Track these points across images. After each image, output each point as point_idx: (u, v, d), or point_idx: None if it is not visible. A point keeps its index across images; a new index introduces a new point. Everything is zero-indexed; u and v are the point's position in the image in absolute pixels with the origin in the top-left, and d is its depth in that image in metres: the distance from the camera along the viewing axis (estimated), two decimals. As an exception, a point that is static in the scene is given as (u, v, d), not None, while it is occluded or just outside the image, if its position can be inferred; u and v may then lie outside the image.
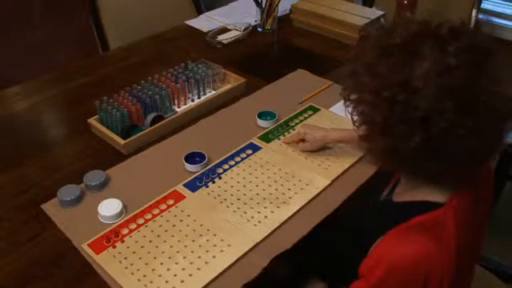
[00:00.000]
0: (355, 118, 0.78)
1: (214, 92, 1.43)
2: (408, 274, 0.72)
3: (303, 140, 1.19)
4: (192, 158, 1.16)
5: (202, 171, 1.14)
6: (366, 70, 0.73)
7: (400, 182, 0.90)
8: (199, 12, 2.16)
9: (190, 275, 0.90)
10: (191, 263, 0.92)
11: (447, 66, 0.66)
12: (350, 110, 0.78)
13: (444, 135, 0.67)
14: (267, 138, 1.26)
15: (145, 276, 0.90)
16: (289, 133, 1.28)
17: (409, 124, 0.68)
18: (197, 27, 1.91)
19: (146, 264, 0.92)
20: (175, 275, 0.90)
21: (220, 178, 1.13)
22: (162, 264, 0.92)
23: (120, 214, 1.02)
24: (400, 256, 0.73)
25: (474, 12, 1.92)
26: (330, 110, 1.36)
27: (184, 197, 1.07)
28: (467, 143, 0.68)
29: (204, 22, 1.95)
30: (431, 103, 0.66)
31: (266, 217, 1.02)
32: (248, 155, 1.20)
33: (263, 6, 1.81)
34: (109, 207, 1.02)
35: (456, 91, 0.66)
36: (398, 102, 0.68)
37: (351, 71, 0.76)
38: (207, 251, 0.94)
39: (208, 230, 0.99)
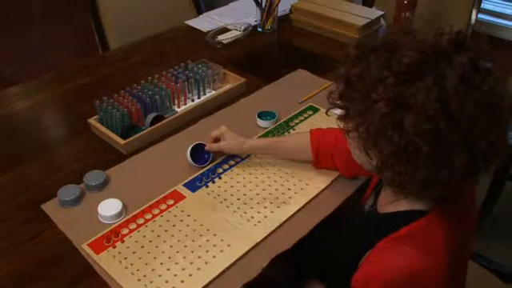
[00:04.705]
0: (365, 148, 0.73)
1: (213, 92, 1.43)
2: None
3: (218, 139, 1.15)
4: (197, 154, 1.15)
5: (202, 171, 1.14)
6: (397, 101, 0.65)
7: (383, 193, 0.87)
8: (199, 12, 2.16)
9: (190, 275, 0.90)
10: (191, 263, 0.92)
11: (471, 79, 0.64)
12: (362, 143, 0.73)
13: (488, 151, 0.66)
14: (267, 138, 1.26)
15: (145, 276, 0.90)
16: (289, 133, 1.28)
17: (453, 149, 0.65)
18: (197, 27, 1.91)
19: (146, 264, 0.92)
20: (175, 275, 0.90)
21: (220, 178, 1.13)
22: (161, 264, 0.92)
23: (120, 214, 1.02)
24: (393, 272, 0.72)
25: (474, 12, 1.92)
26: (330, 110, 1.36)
27: (184, 197, 1.07)
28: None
29: (204, 22, 1.95)
30: (471, 121, 0.64)
31: (265, 217, 1.02)
32: (248, 155, 1.20)
33: (263, 5, 1.81)
34: (109, 207, 1.02)
35: (482, 101, 0.65)
36: (441, 130, 0.64)
37: (364, 107, 0.69)
38: (207, 251, 0.94)
39: (208, 230, 0.99)
